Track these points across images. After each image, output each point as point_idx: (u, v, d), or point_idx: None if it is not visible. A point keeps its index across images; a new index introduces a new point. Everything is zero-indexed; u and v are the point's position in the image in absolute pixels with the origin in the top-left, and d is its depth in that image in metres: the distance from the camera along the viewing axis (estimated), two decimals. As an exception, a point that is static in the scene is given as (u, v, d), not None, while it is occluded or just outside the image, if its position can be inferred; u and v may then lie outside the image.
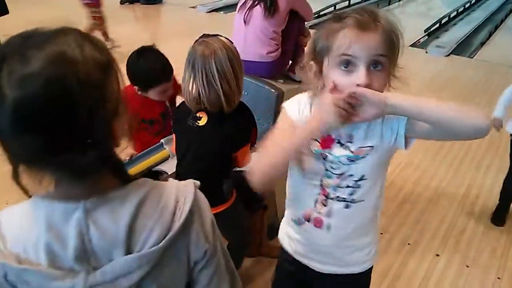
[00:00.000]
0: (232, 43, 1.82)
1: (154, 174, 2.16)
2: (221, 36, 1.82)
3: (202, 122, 1.81)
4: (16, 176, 0.75)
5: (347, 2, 9.01)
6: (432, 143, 3.91)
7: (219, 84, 1.72)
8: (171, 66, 2.29)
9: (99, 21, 5.62)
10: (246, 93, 1.97)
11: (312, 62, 1.21)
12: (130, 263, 0.76)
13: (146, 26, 7.94)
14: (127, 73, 2.25)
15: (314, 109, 1.23)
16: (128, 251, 0.77)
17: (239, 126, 1.86)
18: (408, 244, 2.81)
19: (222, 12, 7.20)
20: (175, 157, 2.00)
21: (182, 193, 0.83)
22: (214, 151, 1.83)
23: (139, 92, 2.31)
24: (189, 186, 0.85)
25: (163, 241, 0.78)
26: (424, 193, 3.32)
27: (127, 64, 2.22)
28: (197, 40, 1.81)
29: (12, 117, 0.65)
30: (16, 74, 0.65)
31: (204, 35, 1.82)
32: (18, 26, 0.73)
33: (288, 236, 1.47)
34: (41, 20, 0.75)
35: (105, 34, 5.71)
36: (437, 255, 2.73)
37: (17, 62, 0.65)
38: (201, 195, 0.87)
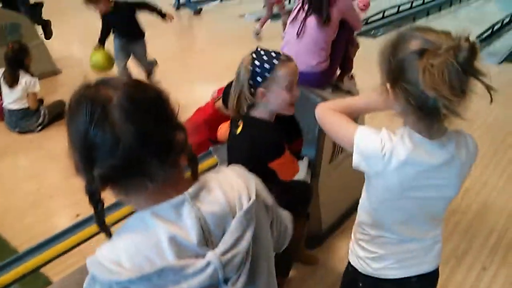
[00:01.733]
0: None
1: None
2: (275, 52, 1.81)
3: (239, 130, 1.84)
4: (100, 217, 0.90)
5: (396, 8, 8.92)
6: (484, 152, 3.85)
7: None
8: None
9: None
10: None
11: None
12: (241, 221, 0.89)
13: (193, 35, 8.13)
14: (224, 98, 2.31)
15: None
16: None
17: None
18: (455, 257, 2.78)
19: (269, 21, 7.28)
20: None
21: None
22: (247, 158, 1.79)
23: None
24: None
25: (252, 197, 0.93)
26: (473, 203, 3.26)
27: (224, 90, 2.28)
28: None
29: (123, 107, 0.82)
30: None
31: (258, 48, 1.83)
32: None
33: None
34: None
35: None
36: (484, 268, 2.69)
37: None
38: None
